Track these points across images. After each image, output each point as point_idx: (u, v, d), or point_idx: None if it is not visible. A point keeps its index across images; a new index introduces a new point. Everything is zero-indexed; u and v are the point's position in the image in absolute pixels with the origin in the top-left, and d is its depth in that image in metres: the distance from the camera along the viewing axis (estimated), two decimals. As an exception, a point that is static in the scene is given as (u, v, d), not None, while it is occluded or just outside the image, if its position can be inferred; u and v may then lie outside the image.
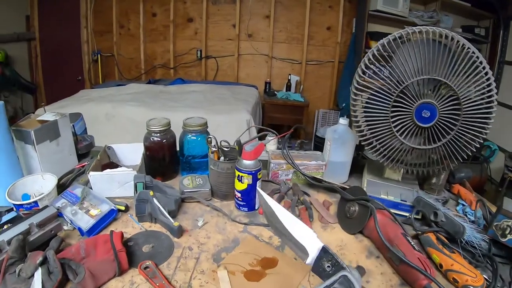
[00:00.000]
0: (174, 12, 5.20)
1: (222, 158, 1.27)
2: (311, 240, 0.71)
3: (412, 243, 0.94)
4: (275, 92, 5.05)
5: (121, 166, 1.36)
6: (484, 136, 1.12)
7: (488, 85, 1.05)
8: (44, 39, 5.24)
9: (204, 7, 5.12)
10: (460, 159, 1.16)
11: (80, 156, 1.52)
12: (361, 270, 0.92)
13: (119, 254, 0.87)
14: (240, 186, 1.16)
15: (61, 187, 1.23)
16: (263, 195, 0.83)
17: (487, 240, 1.04)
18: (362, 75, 1.15)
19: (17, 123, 1.24)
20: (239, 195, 1.19)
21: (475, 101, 1.06)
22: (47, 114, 1.35)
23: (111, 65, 5.56)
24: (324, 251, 0.69)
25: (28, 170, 1.25)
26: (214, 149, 1.24)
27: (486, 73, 1.05)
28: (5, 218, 1.06)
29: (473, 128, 1.10)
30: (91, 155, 1.57)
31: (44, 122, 1.27)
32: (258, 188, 1.10)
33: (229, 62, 5.41)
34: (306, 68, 5.33)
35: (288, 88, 5.24)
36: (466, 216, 1.26)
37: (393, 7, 4.29)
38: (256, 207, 1.22)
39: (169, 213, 1.09)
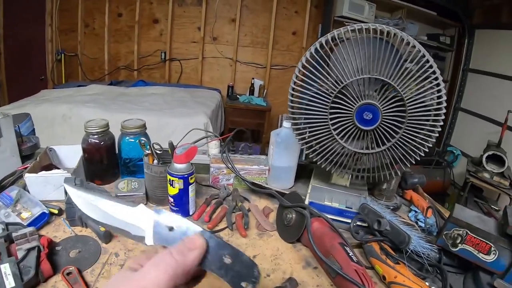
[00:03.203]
0: (140, 12, 5.11)
1: (156, 161, 1.20)
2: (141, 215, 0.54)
3: (350, 254, 0.88)
4: (238, 96, 5.03)
5: (59, 168, 1.28)
6: (433, 140, 1.05)
7: (437, 85, 0.98)
8: (8, 37, 5.04)
9: (170, 9, 5.05)
10: (408, 164, 1.10)
11: (25, 158, 1.45)
12: (292, 282, 0.87)
13: (41, 263, 0.84)
14: (172, 190, 1.11)
15: (2, 189, 1.17)
16: (70, 192, 0.61)
17: (436, 250, 1.00)
18: (298, 74, 1.09)
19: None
20: (171, 200, 1.13)
21: (421, 102, 1.00)
22: (-10, 114, 1.30)
23: (75, 65, 5.40)
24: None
25: (-29, 171, 1.24)
26: (147, 152, 1.18)
27: (434, 72, 0.98)
28: None
29: (420, 132, 1.04)
30: (35, 156, 1.48)
31: (-15, 122, 1.22)
32: (64, 184, 0.77)
33: (193, 65, 5.36)
34: (271, 72, 5.34)
35: (252, 92, 5.23)
36: (417, 223, 1.22)
37: (358, 13, 4.33)
38: (191, 213, 1.17)
39: (99, 217, 1.03)
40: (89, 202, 0.58)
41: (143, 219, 0.53)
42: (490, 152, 3.18)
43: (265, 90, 5.31)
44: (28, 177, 1.15)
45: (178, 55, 5.30)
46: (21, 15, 4.96)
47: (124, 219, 0.54)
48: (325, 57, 1.04)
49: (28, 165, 1.28)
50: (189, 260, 0.46)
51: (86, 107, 3.43)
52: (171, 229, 0.50)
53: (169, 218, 0.51)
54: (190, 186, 1.11)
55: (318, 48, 1.05)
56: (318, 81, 1.06)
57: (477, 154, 3.56)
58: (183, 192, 1.10)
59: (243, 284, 0.47)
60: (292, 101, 1.14)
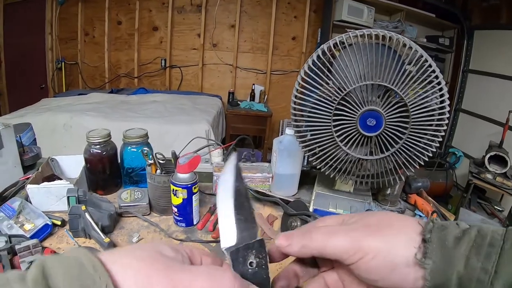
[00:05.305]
0: (139, 20, 5.11)
1: (159, 171, 1.20)
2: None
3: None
4: (239, 102, 5.03)
5: (62, 179, 1.26)
6: (437, 145, 1.05)
7: (440, 90, 0.98)
8: (9, 46, 5.06)
9: (169, 16, 5.06)
10: (411, 169, 1.09)
11: (27, 168, 1.45)
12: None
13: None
14: (175, 200, 1.09)
15: (5, 200, 1.16)
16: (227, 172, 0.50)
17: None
18: (301, 82, 1.09)
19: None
20: (175, 210, 1.12)
21: (424, 107, 1.00)
22: (-9, 124, 1.29)
23: (75, 74, 5.40)
24: (260, 244, 0.44)
25: (-27, 183, 1.21)
26: (150, 161, 1.17)
27: (436, 77, 0.98)
28: None
29: (424, 137, 1.03)
30: (37, 167, 1.48)
31: (-14, 133, 1.22)
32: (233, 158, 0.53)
33: (194, 71, 5.36)
34: (271, 78, 5.34)
35: (252, 98, 5.23)
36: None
37: (358, 17, 4.32)
38: (195, 222, 1.16)
39: (103, 229, 1.04)
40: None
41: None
42: (492, 153, 3.17)
43: (266, 96, 5.31)
44: (30, 188, 1.14)
45: (178, 62, 5.30)
46: (21, 24, 4.97)
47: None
48: (327, 63, 1.04)
49: (30, 175, 1.27)
50: None
51: (87, 115, 3.43)
52: (250, 264, 0.43)
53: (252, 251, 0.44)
54: (193, 196, 1.10)
55: (320, 55, 1.05)
56: (321, 88, 1.05)
57: (479, 155, 3.56)
58: (187, 202, 1.09)
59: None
60: (295, 109, 1.13)
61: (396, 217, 0.43)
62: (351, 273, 0.44)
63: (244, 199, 0.47)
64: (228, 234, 0.45)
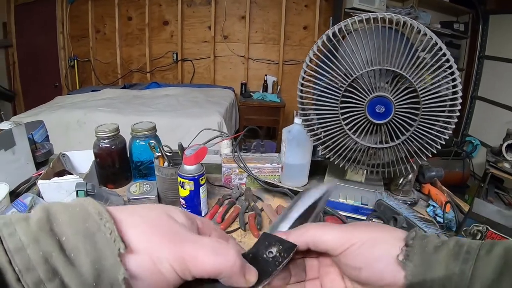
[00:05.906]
0: (150, 15, 5.12)
1: (166, 163, 1.19)
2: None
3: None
4: (251, 94, 5.00)
5: (73, 174, 1.27)
6: (450, 132, 1.02)
7: (452, 74, 0.95)
8: (21, 46, 5.14)
9: (179, 10, 5.06)
10: (424, 158, 1.06)
11: (39, 164, 1.46)
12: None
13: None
14: (183, 192, 1.09)
15: (18, 196, 1.16)
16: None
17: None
18: (306, 69, 1.06)
19: (-28, 133, 1.21)
20: (183, 201, 1.12)
21: (436, 93, 0.96)
22: (4, 123, 1.31)
23: (88, 71, 5.45)
24: (290, 247, 0.45)
25: (-13, 180, 1.23)
26: (158, 154, 1.17)
27: (447, 61, 0.94)
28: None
29: (436, 124, 1.00)
30: (49, 163, 1.49)
31: (-1, 131, 1.24)
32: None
33: (205, 64, 5.35)
34: (283, 68, 5.30)
35: (265, 89, 5.20)
36: (436, 218, 1.19)
37: (369, 4, 4.25)
38: (203, 214, 1.15)
39: (112, 222, 1.02)
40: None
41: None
42: (509, 141, 3.11)
43: (279, 87, 5.27)
44: (42, 183, 1.15)
45: (190, 56, 5.30)
46: (33, 24, 5.02)
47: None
48: (333, 50, 1.01)
49: (42, 171, 1.28)
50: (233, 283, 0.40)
51: (100, 111, 3.45)
52: (269, 253, 0.45)
53: (277, 240, 0.46)
54: (201, 188, 1.09)
55: (326, 41, 1.02)
56: (327, 75, 1.03)
57: (496, 143, 3.48)
58: (194, 194, 1.09)
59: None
60: (301, 97, 1.11)
61: (382, 225, 0.51)
62: (334, 279, 0.50)
63: (311, 215, 0.53)
64: (279, 226, 0.51)
